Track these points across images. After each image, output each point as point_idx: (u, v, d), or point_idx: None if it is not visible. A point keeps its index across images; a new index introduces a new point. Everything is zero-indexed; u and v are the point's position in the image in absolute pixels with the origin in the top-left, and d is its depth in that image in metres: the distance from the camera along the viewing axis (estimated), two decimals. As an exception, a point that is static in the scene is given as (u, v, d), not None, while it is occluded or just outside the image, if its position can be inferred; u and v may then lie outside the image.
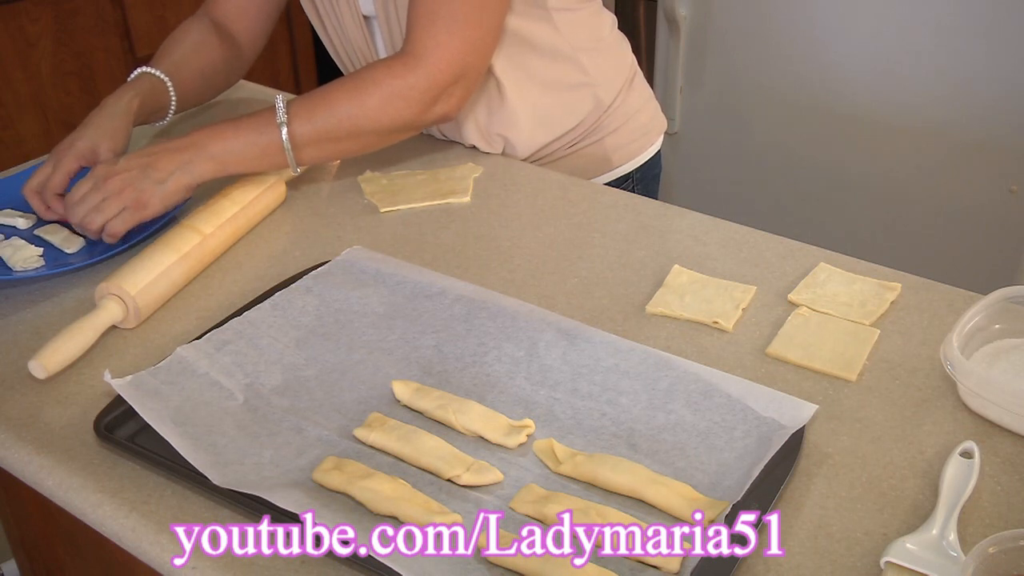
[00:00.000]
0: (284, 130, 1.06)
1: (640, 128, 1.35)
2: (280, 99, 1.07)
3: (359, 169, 1.27)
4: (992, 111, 2.28)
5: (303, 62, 2.80)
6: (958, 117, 2.33)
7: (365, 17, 1.23)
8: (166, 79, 1.24)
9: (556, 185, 1.23)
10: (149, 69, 1.24)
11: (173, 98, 1.25)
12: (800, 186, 2.65)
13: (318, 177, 1.26)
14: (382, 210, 1.18)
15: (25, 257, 1.04)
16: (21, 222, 1.13)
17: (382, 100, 1.08)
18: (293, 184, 1.23)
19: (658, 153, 1.41)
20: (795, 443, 0.79)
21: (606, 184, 1.33)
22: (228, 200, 1.10)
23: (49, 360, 0.88)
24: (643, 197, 1.22)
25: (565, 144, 1.31)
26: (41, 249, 1.07)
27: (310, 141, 1.08)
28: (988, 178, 2.35)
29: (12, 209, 1.15)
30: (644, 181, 1.39)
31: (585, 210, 1.17)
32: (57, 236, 1.10)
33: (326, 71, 2.85)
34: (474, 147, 1.30)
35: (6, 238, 1.09)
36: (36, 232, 1.11)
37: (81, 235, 1.10)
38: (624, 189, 1.36)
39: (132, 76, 1.25)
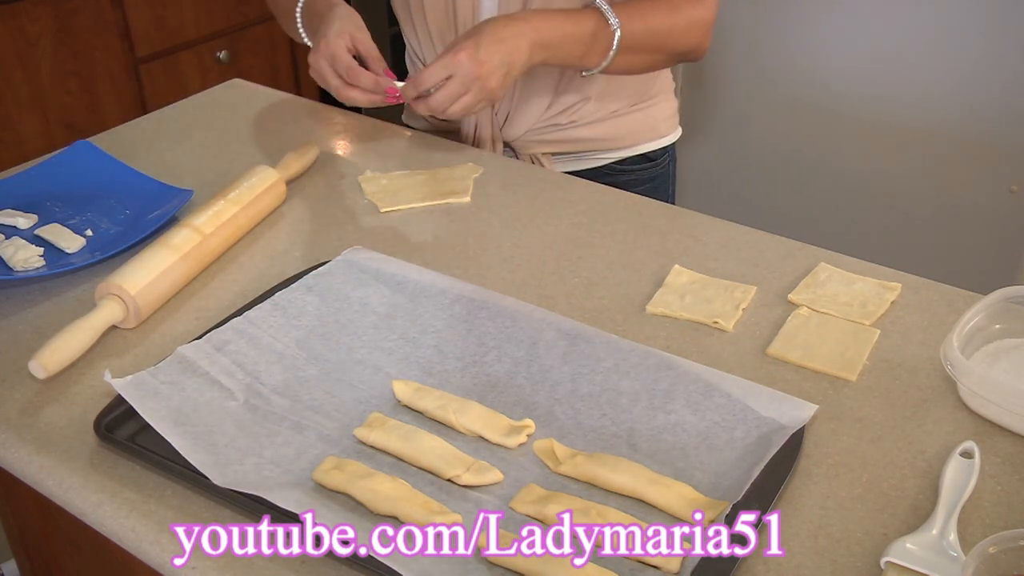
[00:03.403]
0: (618, 33, 1.14)
1: (673, 104, 1.42)
2: (605, 5, 1.14)
3: (359, 169, 1.27)
4: (992, 111, 2.28)
5: (303, 62, 2.80)
6: (958, 117, 2.33)
7: None
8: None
9: (556, 185, 1.23)
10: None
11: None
12: (800, 186, 2.65)
13: (318, 177, 1.26)
14: (382, 210, 1.17)
15: (25, 257, 1.04)
16: (21, 222, 1.13)
17: (688, 25, 1.19)
18: (293, 184, 1.23)
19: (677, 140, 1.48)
20: (795, 443, 0.79)
21: (651, 153, 1.39)
22: (228, 200, 1.10)
23: (49, 360, 0.88)
24: (643, 197, 1.22)
25: (627, 104, 1.35)
26: (41, 249, 1.07)
27: (627, 48, 1.16)
28: (988, 178, 2.35)
29: (12, 209, 1.15)
30: (674, 160, 1.46)
31: (585, 210, 1.17)
32: (57, 236, 1.10)
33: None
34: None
35: (6, 238, 1.09)
36: (36, 232, 1.11)
37: (81, 235, 1.10)
38: (663, 162, 1.42)
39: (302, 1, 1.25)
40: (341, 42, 1.14)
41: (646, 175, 1.41)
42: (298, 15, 1.25)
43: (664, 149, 1.42)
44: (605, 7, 1.15)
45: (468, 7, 1.25)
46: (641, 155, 1.40)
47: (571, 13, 1.15)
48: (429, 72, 1.10)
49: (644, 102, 1.37)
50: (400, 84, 1.15)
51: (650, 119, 1.38)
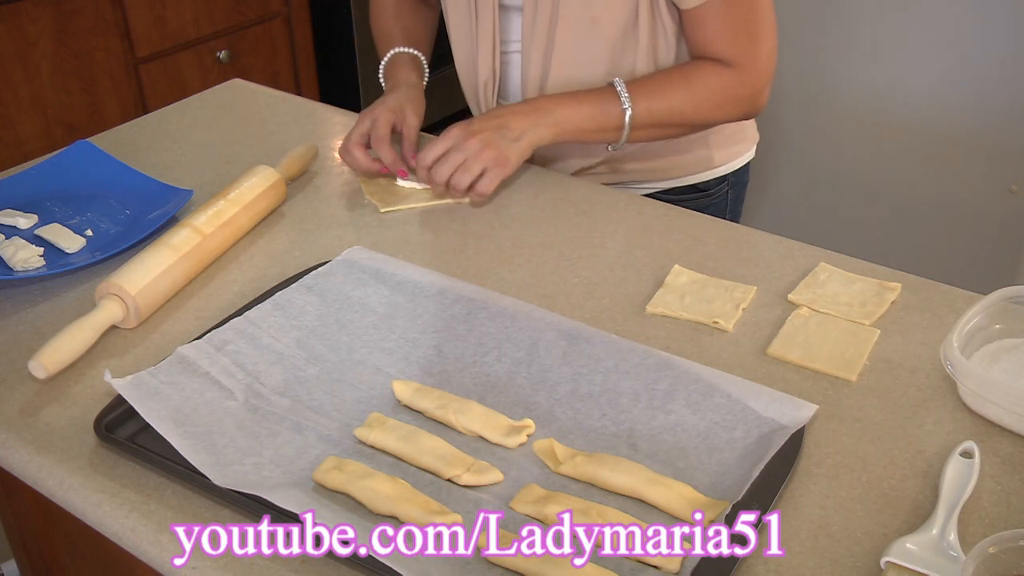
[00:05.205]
0: (628, 112, 1.15)
1: (740, 131, 1.36)
2: (619, 82, 1.16)
3: (359, 169, 1.27)
4: (992, 111, 2.28)
5: (303, 62, 2.80)
6: (958, 117, 2.33)
7: (502, 7, 1.24)
8: (420, 55, 1.35)
9: (556, 185, 1.23)
10: (402, 49, 1.34)
11: (426, 70, 1.36)
12: (801, 186, 2.65)
13: (318, 177, 1.26)
14: (382, 210, 1.17)
15: (25, 257, 1.04)
16: (21, 222, 1.13)
17: (716, 105, 1.18)
18: (293, 184, 1.23)
19: (750, 162, 1.41)
20: (795, 443, 0.79)
21: (702, 183, 1.35)
22: (228, 200, 1.10)
23: (49, 360, 0.88)
24: (643, 197, 1.22)
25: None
26: (41, 249, 1.07)
27: (644, 125, 1.17)
28: (988, 178, 2.35)
29: (12, 209, 1.15)
30: (737, 186, 1.40)
31: (585, 210, 1.17)
32: (57, 236, 1.10)
33: (326, 71, 2.85)
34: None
35: (6, 238, 1.09)
36: (36, 232, 1.11)
37: (81, 235, 1.10)
38: (719, 191, 1.37)
39: (388, 57, 1.34)
40: (391, 116, 1.23)
41: (694, 205, 1.31)
42: (382, 68, 1.35)
43: (721, 179, 1.36)
44: (619, 85, 1.15)
45: (490, 91, 1.29)
46: (690, 185, 1.34)
47: (582, 91, 1.18)
48: (430, 147, 1.14)
49: (697, 134, 1.30)
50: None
51: (703, 151, 1.32)
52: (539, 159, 1.33)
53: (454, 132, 1.14)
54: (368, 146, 1.22)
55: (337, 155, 1.30)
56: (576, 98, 1.16)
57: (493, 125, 1.13)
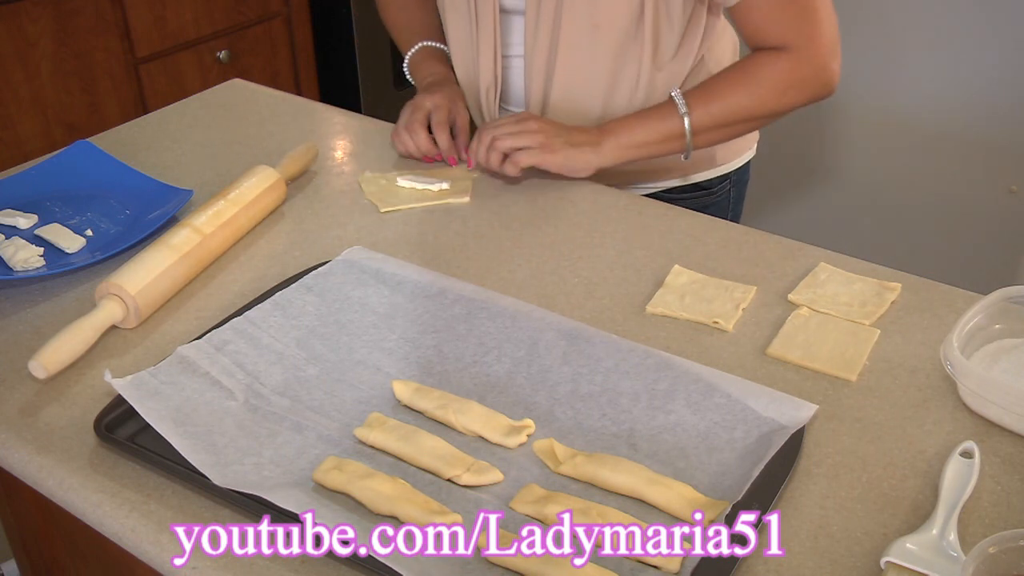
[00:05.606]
0: (687, 120, 1.16)
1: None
2: (677, 92, 1.17)
3: (359, 169, 1.27)
4: (992, 111, 2.28)
5: (303, 62, 2.80)
6: (958, 117, 2.33)
7: (503, 11, 1.25)
8: (446, 49, 1.36)
9: (556, 185, 1.23)
10: (430, 43, 1.38)
11: (451, 63, 1.37)
12: (801, 186, 2.65)
13: (318, 177, 1.26)
14: (382, 210, 1.17)
15: (25, 257, 1.04)
16: (21, 222, 1.13)
17: (779, 93, 1.17)
18: (293, 184, 1.23)
19: (750, 160, 1.41)
20: (795, 443, 0.79)
21: (705, 182, 1.35)
22: (228, 200, 1.10)
23: (49, 360, 0.88)
24: (643, 197, 1.22)
25: None
26: (41, 249, 1.07)
27: (706, 128, 1.18)
28: (988, 178, 2.35)
29: (12, 209, 1.15)
30: (739, 184, 1.40)
31: (585, 210, 1.17)
32: (57, 236, 1.10)
33: (326, 71, 2.85)
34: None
35: (6, 238, 1.09)
36: (36, 232, 1.11)
37: (81, 235, 1.10)
38: (721, 189, 1.37)
39: (414, 50, 1.37)
40: (449, 105, 1.28)
41: (697, 204, 1.33)
42: (408, 59, 1.38)
43: (723, 177, 1.36)
44: (676, 94, 1.16)
45: (491, 97, 1.30)
46: (693, 184, 1.35)
47: (642, 110, 1.20)
48: (501, 119, 1.19)
49: None
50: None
51: (704, 150, 1.29)
52: None
53: (524, 113, 1.19)
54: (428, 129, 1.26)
55: (391, 137, 1.30)
56: (636, 116, 1.19)
57: (560, 125, 1.18)
